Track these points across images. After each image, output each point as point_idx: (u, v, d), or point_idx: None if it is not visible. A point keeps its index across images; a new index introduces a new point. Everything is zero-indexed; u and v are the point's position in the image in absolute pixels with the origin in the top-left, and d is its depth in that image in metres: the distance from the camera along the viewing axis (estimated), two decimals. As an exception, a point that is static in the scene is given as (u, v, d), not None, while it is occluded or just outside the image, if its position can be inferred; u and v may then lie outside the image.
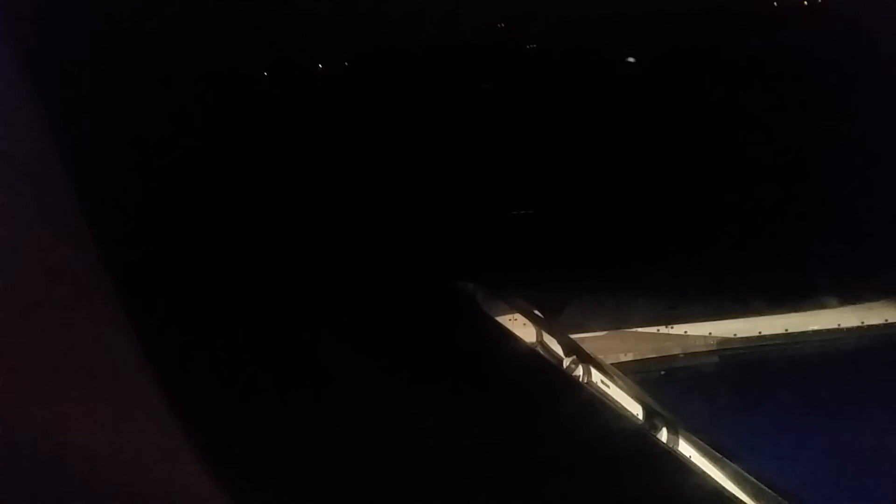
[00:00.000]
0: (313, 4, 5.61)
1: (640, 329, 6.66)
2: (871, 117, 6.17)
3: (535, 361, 5.78)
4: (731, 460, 4.61)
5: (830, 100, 6.35)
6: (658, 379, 6.44)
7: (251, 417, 2.64)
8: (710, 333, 6.64)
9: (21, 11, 2.52)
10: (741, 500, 4.30)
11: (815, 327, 6.50)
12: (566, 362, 5.79)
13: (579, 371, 5.67)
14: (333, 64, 6.45)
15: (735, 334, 6.59)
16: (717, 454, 4.71)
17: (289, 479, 2.59)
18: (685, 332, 6.65)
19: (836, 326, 6.50)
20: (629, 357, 6.59)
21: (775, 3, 6.82)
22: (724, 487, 4.40)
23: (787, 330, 6.53)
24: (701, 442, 4.86)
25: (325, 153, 5.86)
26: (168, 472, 2.26)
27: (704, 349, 6.63)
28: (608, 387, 5.54)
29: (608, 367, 5.81)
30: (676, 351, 6.66)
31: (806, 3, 6.81)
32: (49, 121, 2.38)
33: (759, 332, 6.56)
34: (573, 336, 6.10)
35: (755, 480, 4.45)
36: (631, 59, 6.66)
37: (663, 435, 4.96)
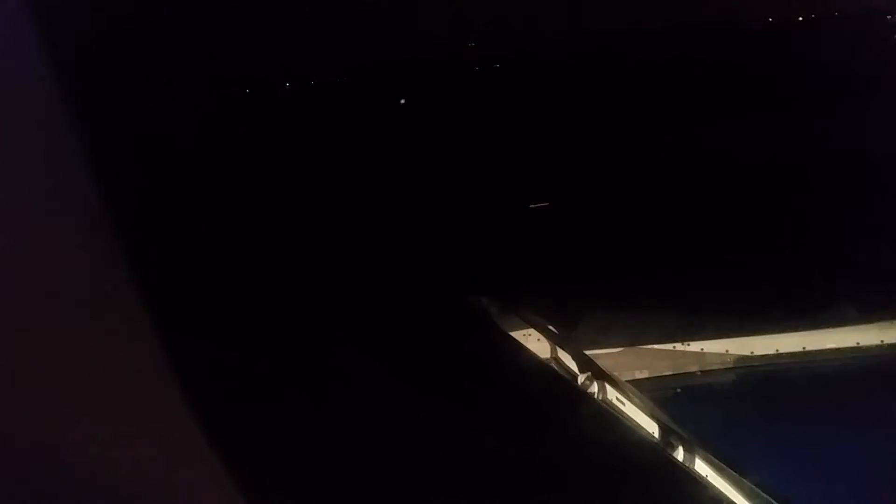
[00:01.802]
0: (283, 22, 5.61)
1: (655, 346, 6.61)
2: (888, 127, 6.11)
3: (549, 377, 5.76)
4: (747, 478, 4.56)
5: (839, 111, 6.29)
6: (674, 396, 6.38)
7: (259, 423, 2.65)
8: (726, 351, 6.57)
9: (25, 10, 2.55)
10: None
11: (834, 345, 6.42)
12: (581, 378, 5.77)
13: (594, 388, 5.64)
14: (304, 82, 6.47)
15: (752, 352, 6.51)
16: (734, 472, 4.66)
17: (295, 484, 2.58)
18: (702, 349, 6.59)
19: (854, 345, 6.41)
20: (644, 374, 6.54)
21: (770, 19, 6.79)
22: (740, 505, 4.36)
23: (804, 348, 6.46)
24: (717, 460, 4.81)
25: (330, 163, 5.88)
26: (171, 474, 2.26)
27: (721, 367, 6.57)
28: (623, 404, 5.50)
29: (623, 384, 5.78)
30: (693, 368, 6.60)
31: (801, 19, 6.77)
32: (53, 120, 2.41)
33: (777, 350, 6.49)
34: (588, 352, 6.07)
35: (772, 499, 4.40)
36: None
37: (679, 452, 4.93)
